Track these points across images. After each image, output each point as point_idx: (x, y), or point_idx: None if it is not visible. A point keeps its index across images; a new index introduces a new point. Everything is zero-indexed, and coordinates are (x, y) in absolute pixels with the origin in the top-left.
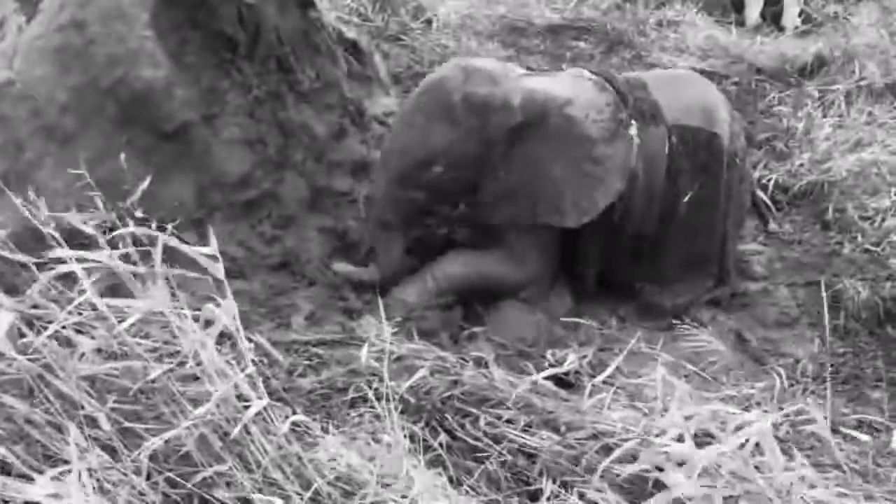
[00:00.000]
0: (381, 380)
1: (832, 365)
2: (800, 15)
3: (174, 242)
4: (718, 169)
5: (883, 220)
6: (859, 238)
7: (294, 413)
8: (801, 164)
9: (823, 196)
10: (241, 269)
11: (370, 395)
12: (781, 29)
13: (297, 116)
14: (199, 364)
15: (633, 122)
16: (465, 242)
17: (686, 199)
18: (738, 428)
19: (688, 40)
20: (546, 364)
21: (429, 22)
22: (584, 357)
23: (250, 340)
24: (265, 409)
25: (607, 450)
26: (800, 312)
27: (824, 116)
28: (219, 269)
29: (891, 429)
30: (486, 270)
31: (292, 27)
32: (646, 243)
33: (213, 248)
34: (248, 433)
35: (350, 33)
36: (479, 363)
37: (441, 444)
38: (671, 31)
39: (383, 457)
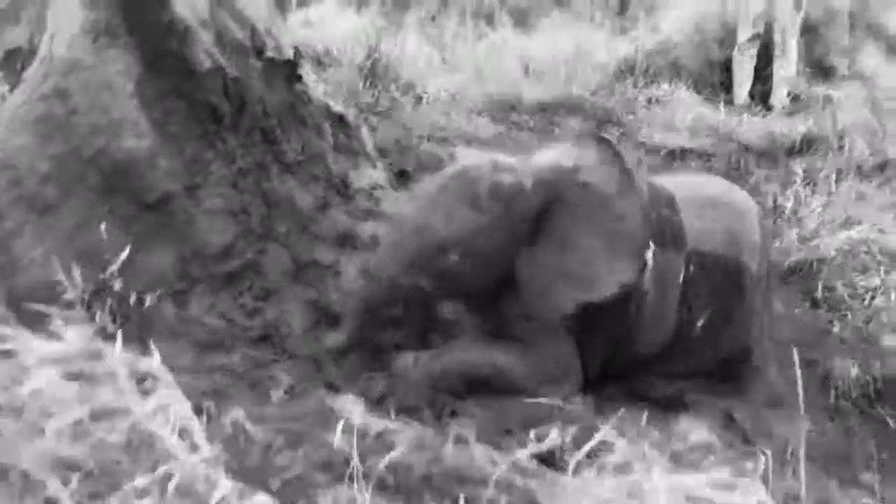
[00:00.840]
0: (361, 458)
1: (822, 445)
2: (788, 94)
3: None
4: (740, 295)
5: (872, 298)
6: (849, 316)
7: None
8: (790, 242)
9: (813, 274)
10: (221, 341)
11: (346, 473)
12: (770, 108)
13: (282, 188)
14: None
15: (651, 243)
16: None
17: (700, 324)
18: None
19: (676, 119)
20: (528, 441)
21: (419, 98)
22: (568, 435)
23: (227, 417)
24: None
25: None
26: (790, 392)
27: (812, 194)
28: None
29: None
30: (501, 364)
31: (278, 100)
32: (652, 358)
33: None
34: None
35: (337, 107)
36: (460, 440)
37: None
38: (660, 110)
39: None
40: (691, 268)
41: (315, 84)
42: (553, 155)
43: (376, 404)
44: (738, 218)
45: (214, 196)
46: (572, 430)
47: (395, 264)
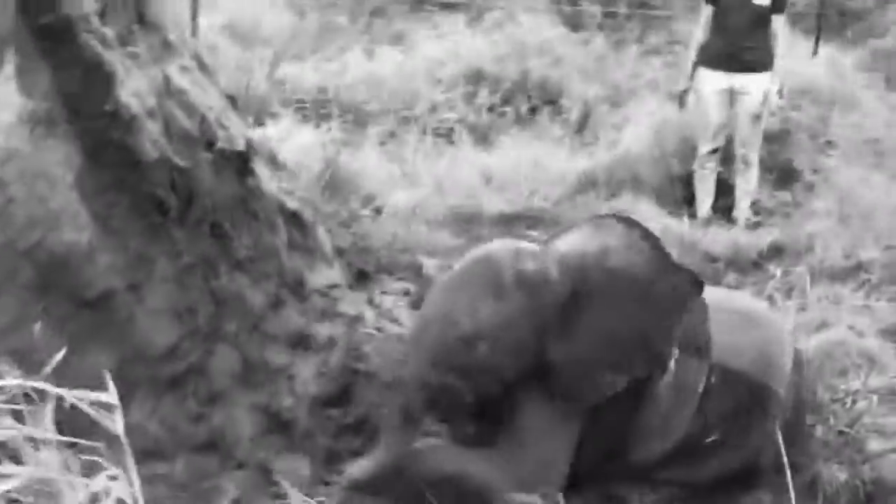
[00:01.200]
0: None
1: None
2: (752, 207)
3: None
4: (762, 417)
5: (854, 402)
6: (831, 420)
7: None
8: None
9: None
10: (161, 449)
11: None
12: (733, 221)
13: (231, 285)
14: None
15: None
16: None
17: (711, 439)
18: None
19: None
20: None
21: (378, 210)
22: None
23: None
24: None
25: None
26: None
27: (787, 299)
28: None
29: None
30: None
31: (229, 193)
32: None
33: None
34: None
35: (292, 204)
36: None
37: None
38: None
39: None
40: (713, 379)
41: (269, 179)
42: (576, 239)
43: None
44: (771, 341)
45: (158, 294)
46: None
47: (422, 363)
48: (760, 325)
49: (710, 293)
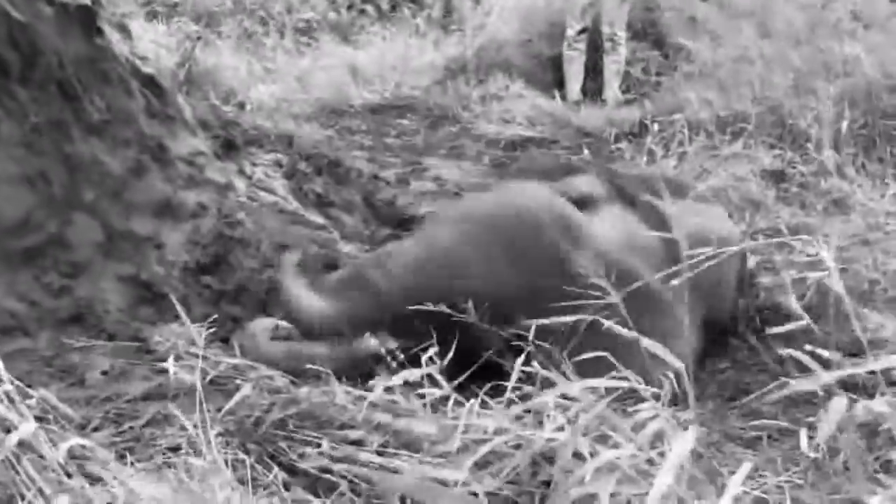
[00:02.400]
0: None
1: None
2: (620, 87)
3: None
4: None
5: (741, 242)
6: None
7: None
8: None
9: None
10: (22, 324)
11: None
12: (604, 101)
13: (86, 150)
14: None
15: None
16: None
17: None
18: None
19: (514, 111)
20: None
21: (241, 105)
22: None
23: (29, 396)
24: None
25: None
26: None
27: (667, 153)
28: None
29: None
30: None
31: (76, 52)
32: None
33: None
34: (15, 468)
35: (147, 68)
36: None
37: (275, 479)
38: (496, 104)
39: (198, 489)
40: None
41: (120, 42)
42: (621, 238)
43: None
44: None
45: (5, 160)
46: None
47: (407, 291)
48: None
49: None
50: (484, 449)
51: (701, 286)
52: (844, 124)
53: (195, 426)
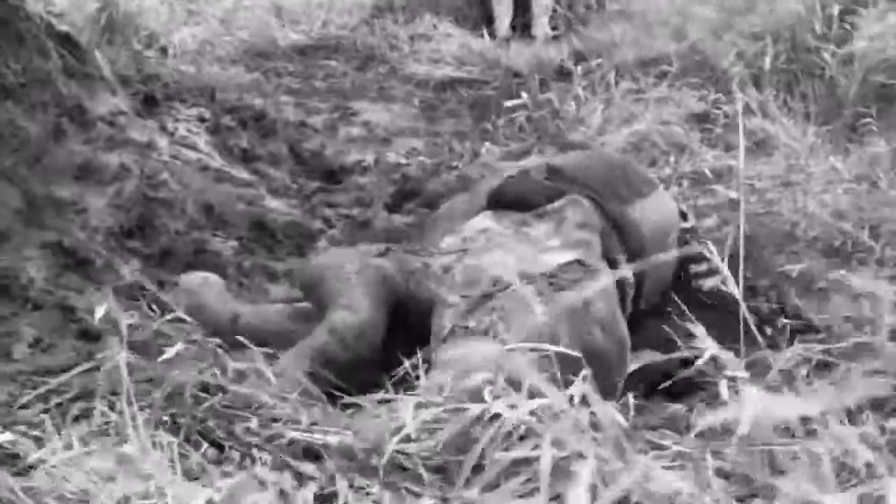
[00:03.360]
0: (129, 403)
1: None
2: (550, 23)
3: None
4: None
5: (666, 188)
6: None
7: None
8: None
9: None
10: None
11: (112, 415)
12: (533, 38)
13: (3, 115)
14: None
15: None
16: None
17: None
18: None
19: (443, 51)
20: None
21: (164, 50)
22: None
23: None
24: None
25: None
26: None
27: (594, 96)
28: None
29: None
30: None
31: None
32: None
33: None
34: None
35: (62, 26)
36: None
37: (205, 456)
38: (424, 44)
39: (127, 470)
40: None
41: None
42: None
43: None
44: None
45: None
46: None
47: None
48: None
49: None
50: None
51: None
52: (767, 60)
53: (121, 413)
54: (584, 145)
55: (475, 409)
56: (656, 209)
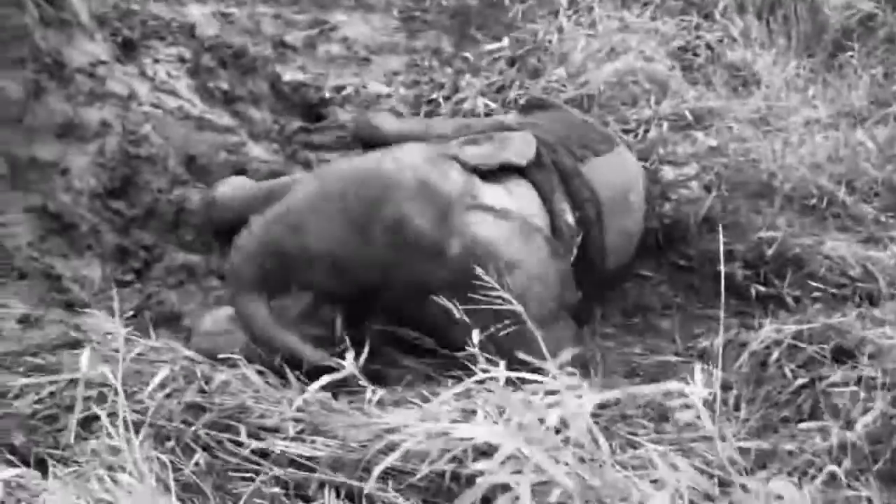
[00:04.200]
0: (116, 391)
1: (618, 299)
2: None
3: None
4: None
5: (646, 131)
6: None
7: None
8: (556, 80)
9: (583, 110)
10: None
11: (103, 414)
12: None
13: None
14: None
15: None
16: None
17: None
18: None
19: None
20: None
21: None
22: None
23: None
24: None
25: (393, 450)
26: None
27: (575, 27)
28: None
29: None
30: None
31: None
32: None
33: None
34: None
35: None
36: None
37: (198, 465)
38: None
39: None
40: None
41: None
42: (498, 226)
43: (133, 319)
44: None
45: None
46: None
47: (261, 247)
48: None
49: None
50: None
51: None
52: None
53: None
54: (549, 104)
55: (465, 431)
56: (613, 167)
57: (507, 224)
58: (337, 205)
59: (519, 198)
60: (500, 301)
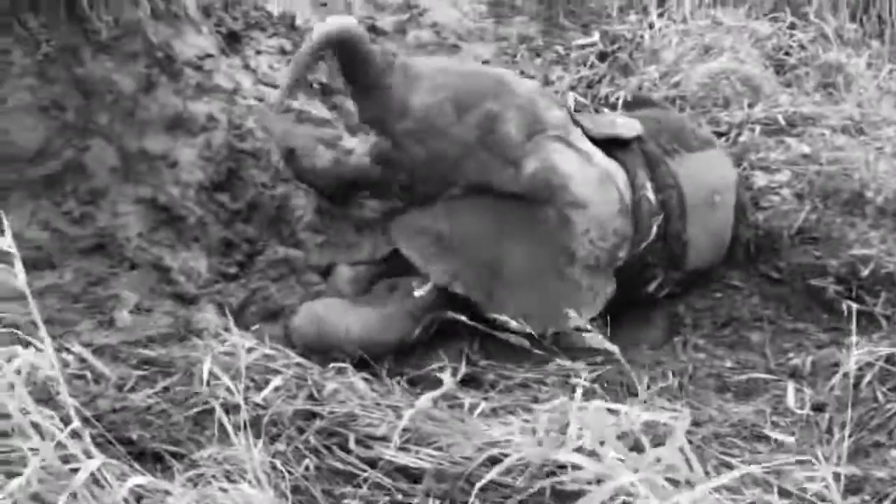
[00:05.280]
0: (228, 390)
1: (708, 310)
2: None
3: None
4: None
5: (738, 134)
6: None
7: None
8: (648, 79)
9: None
10: (48, 256)
11: (222, 415)
12: None
13: (98, 71)
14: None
15: None
16: None
17: None
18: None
19: None
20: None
21: None
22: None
23: (68, 351)
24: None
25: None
26: None
27: (669, 21)
28: None
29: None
30: None
31: None
32: None
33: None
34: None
35: None
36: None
37: (308, 470)
38: None
39: None
40: None
41: None
42: (579, 160)
43: (238, 313)
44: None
45: (20, 90)
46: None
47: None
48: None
49: None
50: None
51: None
52: None
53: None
54: (652, 102)
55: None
56: (704, 165)
57: (588, 167)
58: (454, 79)
59: (608, 161)
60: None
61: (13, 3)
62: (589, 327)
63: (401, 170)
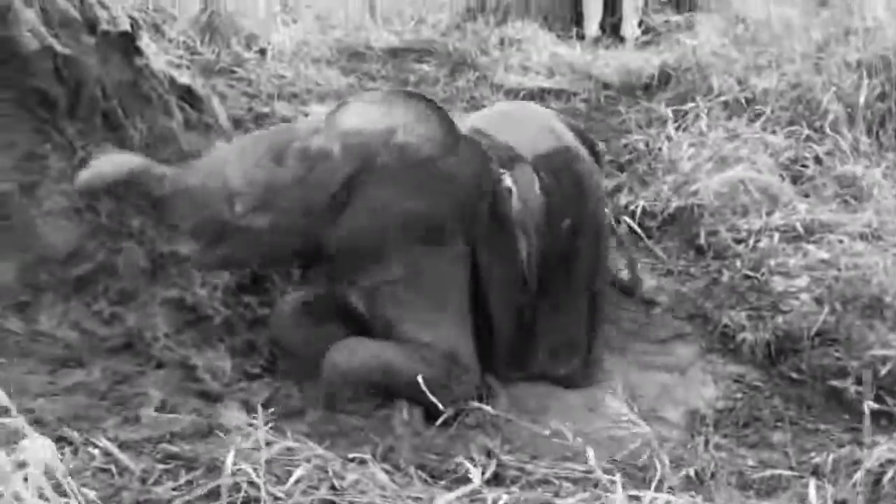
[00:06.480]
0: (251, 483)
1: (730, 410)
2: (639, 25)
3: None
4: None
5: (757, 241)
6: (737, 263)
7: None
8: (666, 188)
9: (693, 220)
10: (77, 355)
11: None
12: (622, 39)
13: None
14: None
15: (501, 169)
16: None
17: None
18: None
19: (532, 58)
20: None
21: (262, 51)
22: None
23: (95, 445)
24: None
25: None
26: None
27: (683, 132)
28: None
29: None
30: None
31: (118, 78)
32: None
33: None
34: None
35: (183, 78)
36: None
37: None
38: (514, 49)
39: None
40: (541, 173)
41: (156, 55)
42: (360, 114)
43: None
44: (552, 121)
45: (55, 193)
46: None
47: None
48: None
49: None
50: None
51: None
52: (862, 98)
53: None
54: None
55: None
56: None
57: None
58: (251, 150)
59: None
60: None
61: (51, 109)
62: None
63: None
